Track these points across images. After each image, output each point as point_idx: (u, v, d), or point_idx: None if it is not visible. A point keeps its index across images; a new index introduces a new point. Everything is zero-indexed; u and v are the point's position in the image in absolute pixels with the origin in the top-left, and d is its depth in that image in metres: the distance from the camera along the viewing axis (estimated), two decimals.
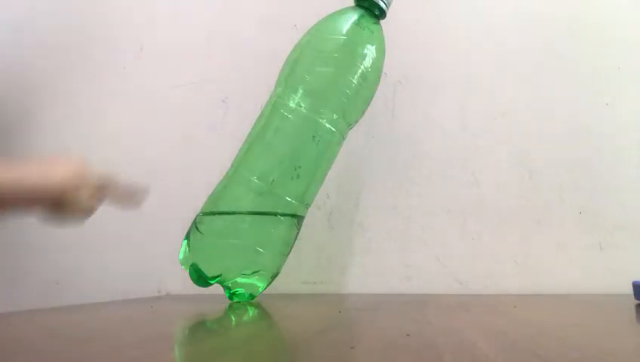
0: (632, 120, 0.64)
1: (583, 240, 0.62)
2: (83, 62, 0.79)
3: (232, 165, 0.53)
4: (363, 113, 0.55)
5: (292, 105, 0.51)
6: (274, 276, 0.53)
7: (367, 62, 0.52)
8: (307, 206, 0.54)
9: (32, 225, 0.74)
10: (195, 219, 0.53)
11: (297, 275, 0.65)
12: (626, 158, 0.64)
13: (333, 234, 0.67)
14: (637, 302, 0.46)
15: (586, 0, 0.68)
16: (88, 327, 0.38)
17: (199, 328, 0.39)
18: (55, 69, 0.80)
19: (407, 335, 0.30)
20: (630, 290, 0.47)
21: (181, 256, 0.52)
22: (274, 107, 0.52)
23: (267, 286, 0.53)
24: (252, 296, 0.53)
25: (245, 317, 0.44)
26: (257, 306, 0.50)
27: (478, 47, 0.69)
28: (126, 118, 0.76)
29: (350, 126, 0.54)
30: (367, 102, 0.54)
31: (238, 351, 0.27)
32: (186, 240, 0.52)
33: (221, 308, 0.48)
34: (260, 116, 0.54)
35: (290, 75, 0.53)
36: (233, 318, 0.44)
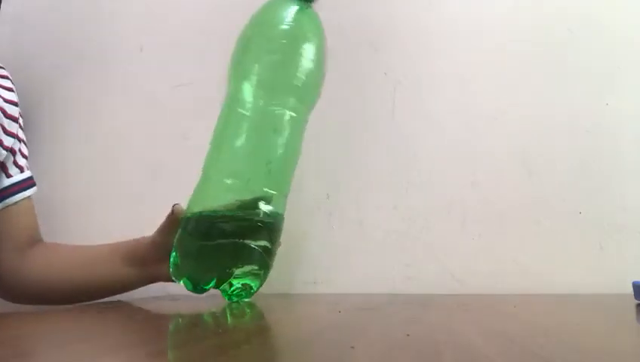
0: (632, 120, 0.64)
1: (583, 240, 0.62)
2: (83, 61, 0.79)
3: (203, 171, 0.53)
4: (319, 94, 0.55)
5: (247, 100, 0.52)
6: (266, 272, 0.52)
7: (312, 43, 0.53)
8: (285, 196, 0.54)
9: None
10: (181, 224, 0.52)
11: (297, 275, 0.65)
12: (626, 158, 0.64)
13: (333, 234, 0.67)
14: (637, 302, 0.46)
15: (585, 0, 0.68)
16: (88, 327, 0.38)
17: (199, 328, 0.39)
18: (55, 69, 0.80)
19: (407, 335, 0.30)
20: (630, 290, 0.46)
21: (172, 268, 0.51)
22: (230, 108, 0.53)
23: (262, 282, 0.52)
24: (249, 294, 0.52)
25: (245, 317, 0.44)
26: (256, 306, 0.49)
27: (477, 47, 0.68)
28: (126, 118, 0.76)
29: (309, 108, 0.54)
30: (320, 83, 0.55)
31: (237, 351, 0.27)
32: (174, 252, 0.51)
33: (220, 308, 0.48)
34: (219, 118, 0.54)
35: (238, 71, 0.54)
36: (232, 318, 0.43)
